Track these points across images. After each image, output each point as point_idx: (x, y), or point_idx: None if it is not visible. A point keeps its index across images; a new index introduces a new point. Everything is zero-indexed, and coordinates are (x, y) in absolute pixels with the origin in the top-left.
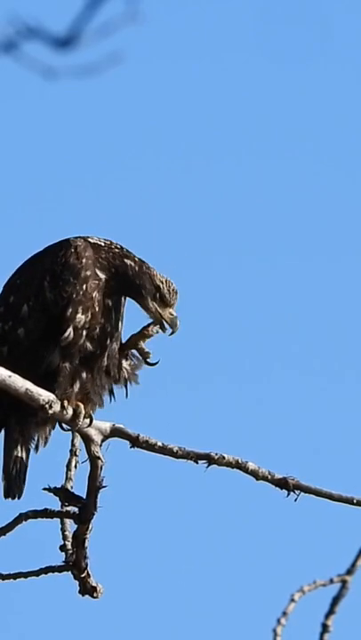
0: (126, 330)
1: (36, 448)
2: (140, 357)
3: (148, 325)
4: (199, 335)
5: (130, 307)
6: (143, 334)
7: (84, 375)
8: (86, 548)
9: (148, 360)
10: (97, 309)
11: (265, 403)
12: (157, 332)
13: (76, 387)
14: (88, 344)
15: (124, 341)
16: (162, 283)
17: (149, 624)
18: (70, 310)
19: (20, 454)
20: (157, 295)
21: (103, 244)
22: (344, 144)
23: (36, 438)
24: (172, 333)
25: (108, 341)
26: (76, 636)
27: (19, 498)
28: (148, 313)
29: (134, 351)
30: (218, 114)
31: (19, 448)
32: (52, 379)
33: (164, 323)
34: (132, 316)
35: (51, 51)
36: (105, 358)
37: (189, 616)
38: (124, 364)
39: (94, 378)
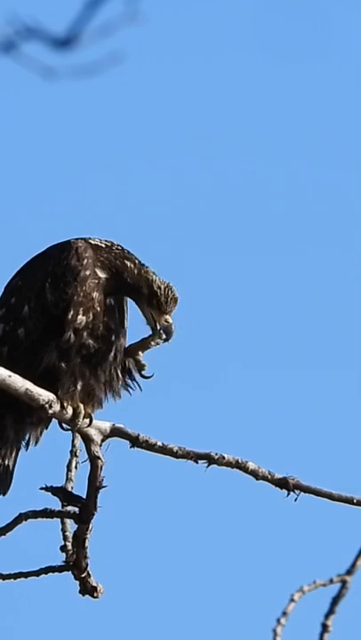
0: (130, 329)
1: (27, 446)
2: (136, 368)
3: (149, 337)
4: (199, 335)
5: (132, 307)
6: (143, 345)
7: (87, 373)
8: (86, 548)
9: (142, 373)
10: (98, 309)
11: (265, 402)
12: (157, 344)
13: (79, 385)
14: (91, 342)
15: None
16: (159, 289)
17: (149, 624)
18: (71, 312)
19: (9, 452)
20: (154, 301)
21: (104, 246)
22: (344, 143)
23: (27, 437)
24: (166, 340)
25: (114, 338)
26: (77, 636)
27: (4, 495)
28: (143, 317)
29: (130, 362)
30: (218, 113)
31: (9, 446)
32: (50, 378)
33: (159, 329)
34: (134, 318)
35: (50, 51)
36: (112, 354)
37: (189, 616)
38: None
39: (98, 375)
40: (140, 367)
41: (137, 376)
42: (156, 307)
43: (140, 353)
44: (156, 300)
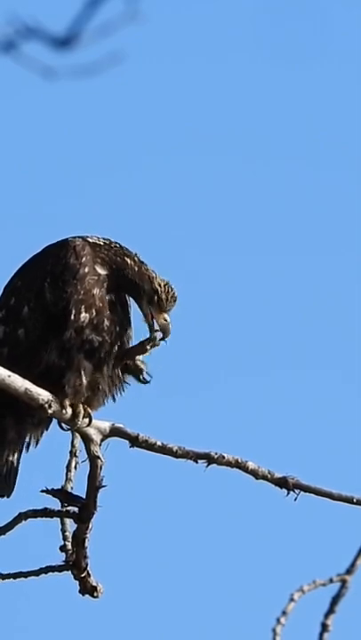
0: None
1: (27, 448)
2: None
3: (146, 340)
4: (199, 334)
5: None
6: (140, 348)
7: (91, 368)
8: (86, 547)
9: (140, 377)
10: (101, 305)
11: (265, 402)
12: (157, 346)
13: (85, 379)
14: (95, 337)
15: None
16: (159, 286)
17: (149, 624)
18: (73, 312)
19: (12, 454)
20: (155, 299)
21: (102, 243)
22: (344, 143)
23: (28, 438)
24: (162, 339)
25: (119, 330)
26: (76, 635)
27: (7, 497)
28: (142, 314)
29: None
30: (218, 113)
31: (12, 448)
32: (50, 377)
33: (156, 330)
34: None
35: (50, 51)
36: (117, 347)
37: (189, 616)
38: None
39: (102, 369)
40: (139, 371)
41: (135, 380)
42: (156, 304)
43: (139, 357)
44: (157, 297)
